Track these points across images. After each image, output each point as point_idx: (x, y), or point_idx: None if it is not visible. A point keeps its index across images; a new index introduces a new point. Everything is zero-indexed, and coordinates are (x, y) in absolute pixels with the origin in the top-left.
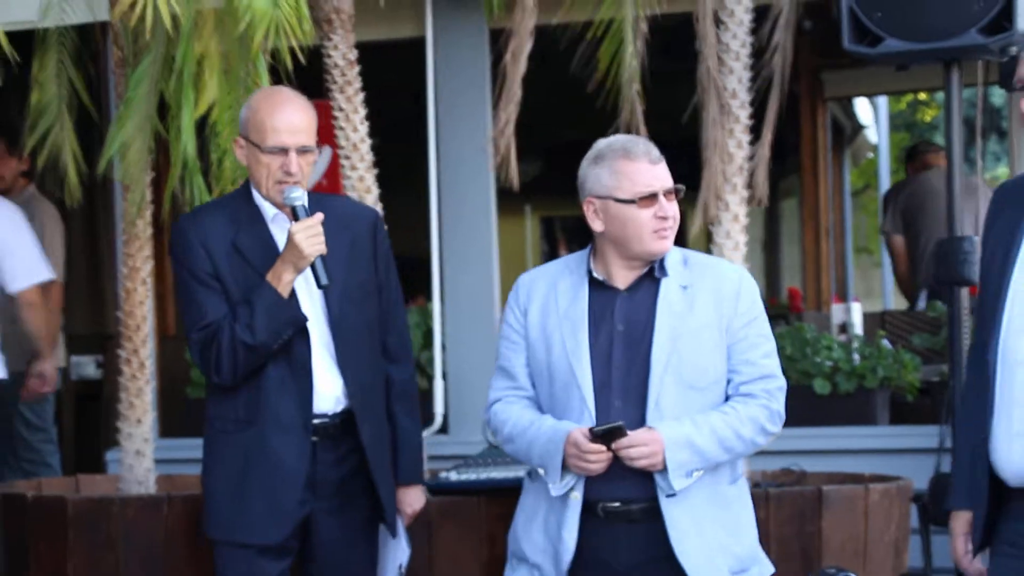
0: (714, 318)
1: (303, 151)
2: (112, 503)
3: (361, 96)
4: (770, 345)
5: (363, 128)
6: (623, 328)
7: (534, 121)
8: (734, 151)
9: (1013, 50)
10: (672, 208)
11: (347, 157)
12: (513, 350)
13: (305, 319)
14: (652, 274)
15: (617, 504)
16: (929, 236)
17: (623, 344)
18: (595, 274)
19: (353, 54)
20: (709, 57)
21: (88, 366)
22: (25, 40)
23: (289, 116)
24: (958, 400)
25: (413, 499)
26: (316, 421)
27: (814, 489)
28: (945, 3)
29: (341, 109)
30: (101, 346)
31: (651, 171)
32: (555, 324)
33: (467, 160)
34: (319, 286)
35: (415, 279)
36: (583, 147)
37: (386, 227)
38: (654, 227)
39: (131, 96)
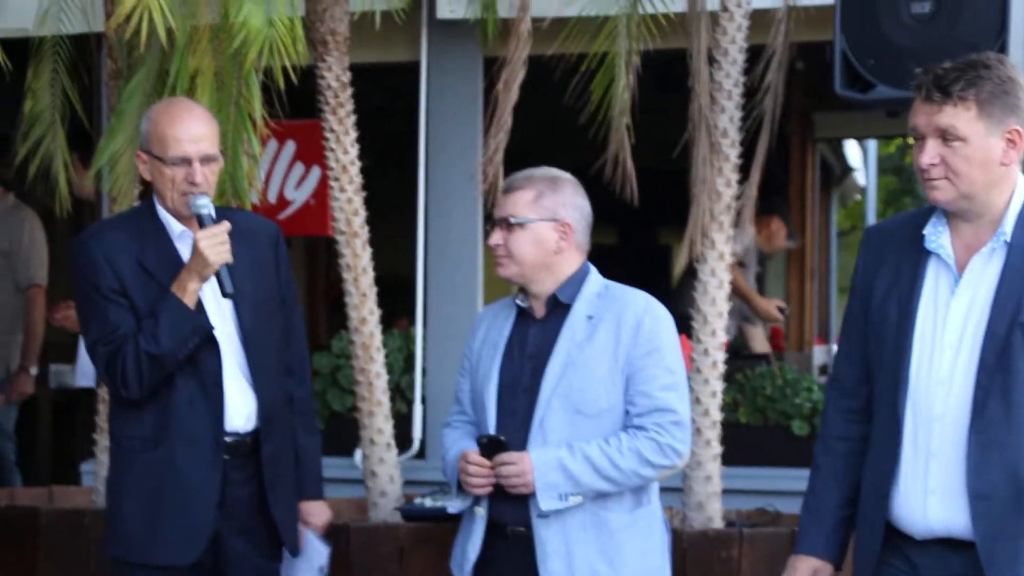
0: (611, 347)
1: (206, 160)
2: (84, 515)
3: (352, 118)
4: (672, 378)
5: (353, 150)
6: (532, 356)
7: (525, 150)
8: (722, 189)
9: None
10: (498, 236)
11: (336, 179)
12: (463, 376)
13: (210, 327)
14: (562, 302)
15: (520, 527)
16: None
17: (530, 371)
18: (519, 302)
19: (346, 76)
20: (701, 95)
21: (67, 374)
22: (16, 48)
23: (190, 126)
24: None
25: (317, 512)
26: (228, 439)
27: (788, 530)
28: (936, 54)
29: (332, 130)
30: None
31: (499, 198)
32: (484, 352)
33: (456, 186)
34: (224, 294)
35: (400, 302)
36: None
37: (286, 242)
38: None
39: (123, 108)
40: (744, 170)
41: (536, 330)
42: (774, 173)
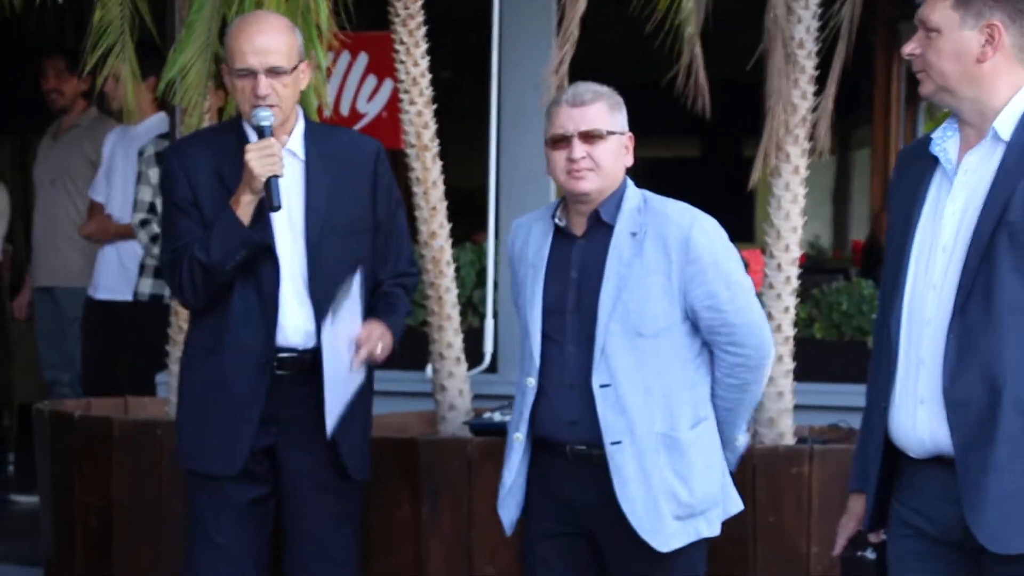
0: (662, 264)
1: (273, 72)
2: (157, 426)
3: (423, 30)
4: (734, 288)
5: (423, 62)
6: (577, 276)
7: (599, 64)
8: (798, 101)
9: None
10: (581, 150)
11: (406, 91)
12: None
13: (258, 241)
14: (604, 220)
15: (582, 447)
16: None
17: (576, 292)
18: (557, 221)
19: None
20: (777, 5)
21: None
22: None
23: (257, 39)
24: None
25: (377, 329)
26: (284, 355)
27: None
28: None
29: (402, 42)
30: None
31: (567, 113)
32: (523, 272)
33: (529, 99)
34: (270, 209)
35: (473, 215)
36: (646, 89)
37: (388, 160)
38: (566, 168)
39: (193, 19)
40: (824, 81)
41: (579, 250)
42: (860, 84)
